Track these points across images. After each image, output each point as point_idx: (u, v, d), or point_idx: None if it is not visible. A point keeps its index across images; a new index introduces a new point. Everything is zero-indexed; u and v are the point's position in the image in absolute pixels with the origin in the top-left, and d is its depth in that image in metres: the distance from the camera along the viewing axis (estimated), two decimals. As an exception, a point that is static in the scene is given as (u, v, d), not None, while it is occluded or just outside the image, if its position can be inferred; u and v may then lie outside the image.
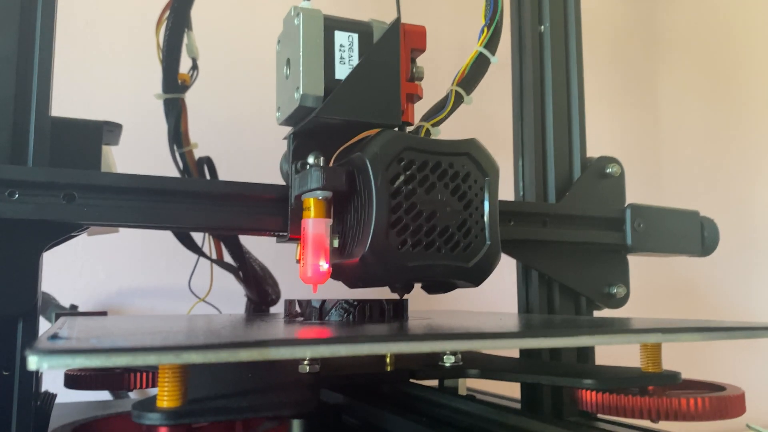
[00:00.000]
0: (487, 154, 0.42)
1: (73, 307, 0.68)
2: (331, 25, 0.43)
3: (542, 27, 0.60)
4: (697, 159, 1.12)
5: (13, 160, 0.40)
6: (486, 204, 0.42)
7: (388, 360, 0.42)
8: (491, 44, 0.49)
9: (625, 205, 0.57)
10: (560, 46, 0.60)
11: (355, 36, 0.44)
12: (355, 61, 0.44)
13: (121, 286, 0.78)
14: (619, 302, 0.56)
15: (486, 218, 0.42)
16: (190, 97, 0.57)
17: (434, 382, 0.49)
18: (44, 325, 0.52)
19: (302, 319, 0.44)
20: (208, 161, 0.58)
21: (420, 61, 0.46)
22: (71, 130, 0.46)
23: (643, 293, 0.67)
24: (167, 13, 0.53)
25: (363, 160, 0.39)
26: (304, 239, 0.40)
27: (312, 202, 0.40)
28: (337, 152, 0.43)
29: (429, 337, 0.28)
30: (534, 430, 0.37)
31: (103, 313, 0.56)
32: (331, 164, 0.43)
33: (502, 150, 0.64)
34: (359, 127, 0.43)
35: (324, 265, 0.40)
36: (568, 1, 0.61)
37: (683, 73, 1.13)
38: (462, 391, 0.48)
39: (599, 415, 0.52)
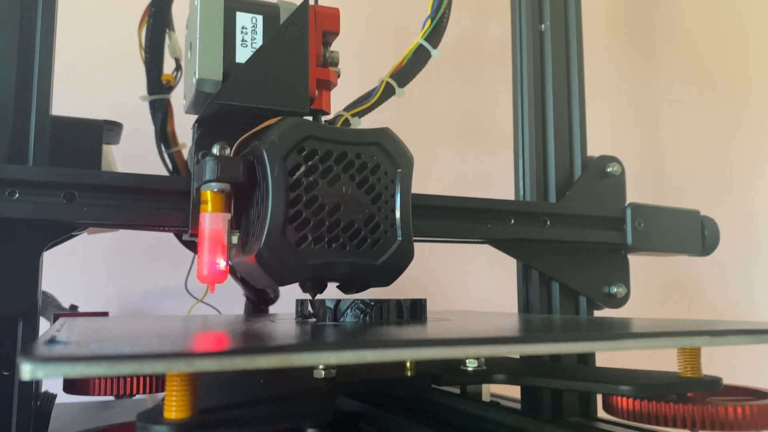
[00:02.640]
0: (400, 144, 0.40)
1: (73, 307, 0.68)
2: (233, 6, 0.41)
3: (542, 26, 0.60)
4: (697, 158, 1.12)
5: (13, 160, 0.40)
6: (398, 197, 0.39)
7: (408, 365, 0.40)
8: (433, 37, 0.47)
9: (626, 204, 0.57)
10: (560, 45, 0.60)
11: (260, 18, 0.42)
12: (259, 44, 0.41)
13: (121, 287, 0.78)
14: (620, 302, 0.56)
15: (397, 213, 0.39)
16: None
17: (451, 387, 0.46)
18: (44, 325, 0.52)
19: (315, 320, 0.42)
20: None
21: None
22: (71, 130, 0.46)
23: (643, 293, 0.67)
24: (148, 14, 0.53)
25: (260, 149, 0.37)
26: (201, 235, 0.38)
27: (209, 195, 0.38)
28: (239, 141, 0.40)
29: (463, 342, 0.26)
30: (534, 430, 0.37)
31: (105, 314, 0.55)
32: (232, 154, 0.40)
33: (502, 149, 0.65)
34: (264, 114, 0.40)
35: (221, 263, 0.37)
36: (569, 0, 0.61)
37: (684, 72, 1.13)
38: (485, 397, 0.45)
39: (601, 416, 0.52)
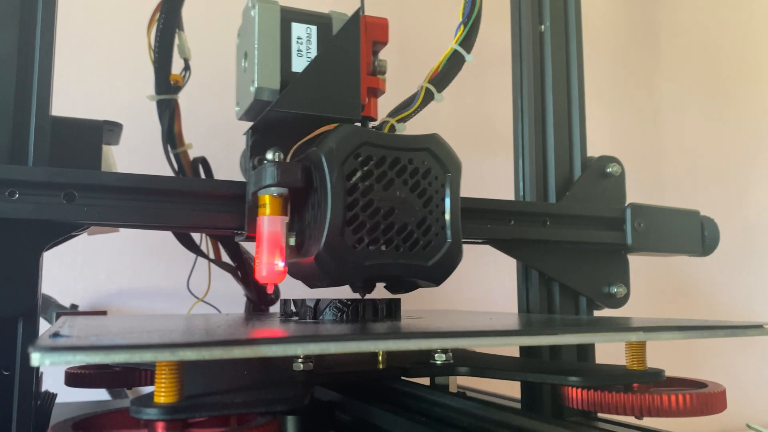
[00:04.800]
0: (449, 150, 0.41)
1: (74, 306, 0.69)
2: (289, 17, 0.42)
3: (542, 27, 0.60)
4: (697, 158, 1.12)
5: (13, 160, 0.40)
6: (447, 201, 0.41)
7: (380, 358, 0.42)
8: (467, 42, 0.48)
9: (626, 204, 0.57)
10: (560, 45, 0.60)
11: (314, 28, 0.43)
12: (314, 54, 0.42)
13: (121, 287, 0.78)
14: (619, 302, 0.56)
15: (447, 215, 0.41)
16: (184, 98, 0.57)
17: (425, 380, 0.49)
18: (44, 326, 0.52)
19: (297, 318, 0.44)
20: (203, 161, 0.58)
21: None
22: (71, 130, 0.46)
23: (643, 293, 0.67)
24: (158, 14, 0.53)
25: (318, 155, 0.38)
26: (259, 237, 0.39)
27: (267, 199, 0.39)
28: (294, 147, 0.42)
29: (416, 335, 0.29)
30: (534, 429, 0.37)
31: (103, 313, 0.56)
32: (288, 160, 0.41)
33: (502, 150, 0.65)
34: (318, 121, 0.41)
35: (280, 264, 0.39)
36: (569, 0, 0.61)
37: (684, 72, 1.13)
38: (453, 389, 0.48)
39: (599, 414, 0.52)
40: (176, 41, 0.55)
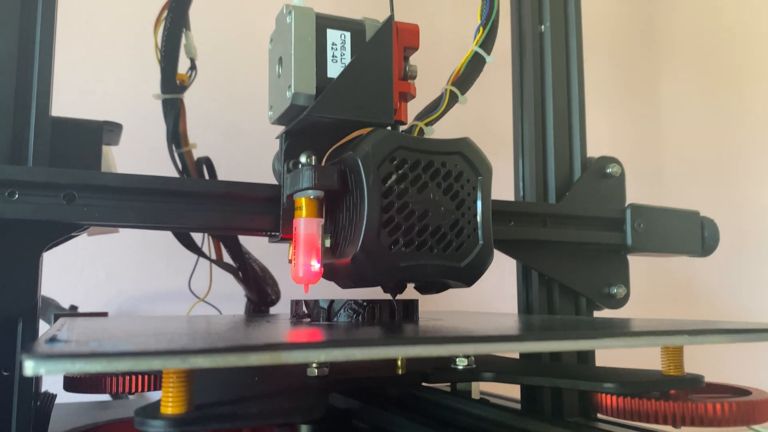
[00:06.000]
0: (480, 154, 0.42)
1: (73, 308, 0.68)
2: (323, 23, 0.43)
3: (542, 27, 0.60)
4: (697, 159, 1.12)
5: (13, 160, 0.40)
6: (479, 203, 0.41)
7: (399, 363, 0.41)
8: (487, 44, 0.48)
9: (626, 205, 0.57)
10: (560, 46, 0.60)
11: (348, 34, 0.44)
12: (348, 60, 0.43)
13: (121, 287, 0.78)
14: (619, 302, 0.56)
15: (479, 218, 0.41)
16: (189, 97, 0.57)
17: (442, 385, 0.48)
18: (43, 327, 0.52)
19: (309, 320, 0.43)
20: (207, 161, 0.58)
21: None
22: (71, 130, 0.46)
23: (643, 293, 0.67)
24: (165, 13, 0.53)
25: (355, 159, 0.39)
26: (296, 239, 0.40)
27: (303, 202, 0.40)
28: (330, 151, 0.42)
29: (449, 340, 0.27)
30: (534, 430, 0.37)
31: (104, 314, 0.55)
32: (323, 163, 0.42)
33: (502, 150, 0.65)
34: (351, 125, 0.42)
35: (316, 265, 0.39)
36: (569, 0, 0.61)
37: (683, 73, 1.13)
38: (475, 395, 0.47)
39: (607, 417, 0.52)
40: (183, 41, 0.55)
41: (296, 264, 0.39)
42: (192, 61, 0.56)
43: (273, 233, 0.45)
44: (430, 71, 0.55)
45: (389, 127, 0.43)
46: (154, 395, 0.60)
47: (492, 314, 0.58)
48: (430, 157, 0.40)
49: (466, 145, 0.41)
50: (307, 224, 0.40)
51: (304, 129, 0.44)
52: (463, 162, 0.41)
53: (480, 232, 0.41)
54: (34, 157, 0.41)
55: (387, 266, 0.38)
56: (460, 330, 0.34)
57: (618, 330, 0.32)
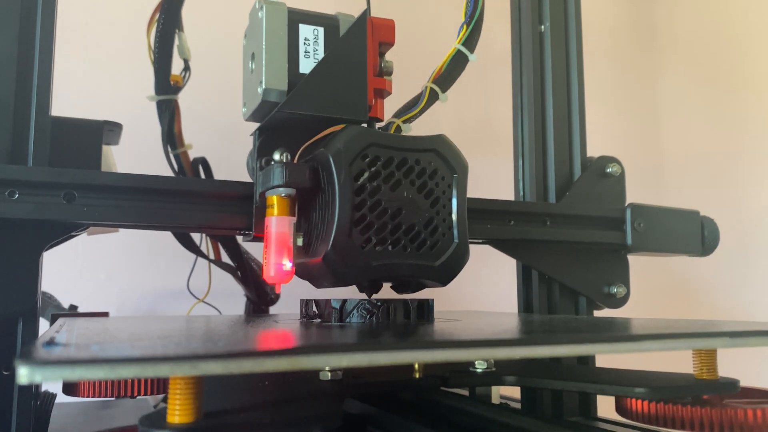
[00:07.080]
0: (456, 151, 0.41)
1: (73, 307, 0.68)
2: (296, 18, 0.43)
3: (542, 27, 0.60)
4: (697, 158, 1.12)
5: (13, 160, 0.40)
6: (454, 201, 0.41)
7: (416, 366, 0.40)
8: (470, 42, 0.48)
9: (626, 204, 0.57)
10: (560, 46, 0.60)
11: (321, 29, 0.43)
12: (321, 55, 0.43)
13: (121, 287, 0.78)
14: (619, 302, 0.56)
15: (454, 216, 0.40)
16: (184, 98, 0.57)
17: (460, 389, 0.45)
18: (43, 326, 0.52)
19: (320, 321, 0.42)
20: (203, 162, 0.58)
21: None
22: (71, 130, 0.46)
23: (643, 293, 0.67)
24: (158, 15, 0.53)
25: (326, 156, 0.38)
26: (267, 237, 0.39)
27: (275, 200, 0.39)
28: (302, 148, 0.42)
29: (480, 344, 0.25)
30: (534, 430, 0.36)
31: (105, 314, 0.55)
32: (296, 160, 0.41)
33: (502, 150, 0.65)
34: (325, 122, 0.42)
35: (287, 264, 0.39)
36: (569, 0, 0.61)
37: (683, 72, 1.13)
38: (495, 399, 0.45)
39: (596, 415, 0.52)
40: (176, 42, 0.55)
41: (267, 263, 0.39)
42: (186, 62, 0.56)
43: (246, 232, 0.45)
44: (430, 71, 0.55)
45: (364, 124, 0.43)
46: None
47: (508, 314, 0.56)
48: (403, 154, 0.39)
49: (441, 143, 0.41)
50: (278, 222, 0.39)
51: (278, 126, 0.43)
52: (438, 159, 0.40)
53: (455, 230, 0.40)
54: (34, 157, 0.41)
55: (359, 265, 0.37)
56: (482, 332, 0.32)
57: (656, 333, 0.29)
